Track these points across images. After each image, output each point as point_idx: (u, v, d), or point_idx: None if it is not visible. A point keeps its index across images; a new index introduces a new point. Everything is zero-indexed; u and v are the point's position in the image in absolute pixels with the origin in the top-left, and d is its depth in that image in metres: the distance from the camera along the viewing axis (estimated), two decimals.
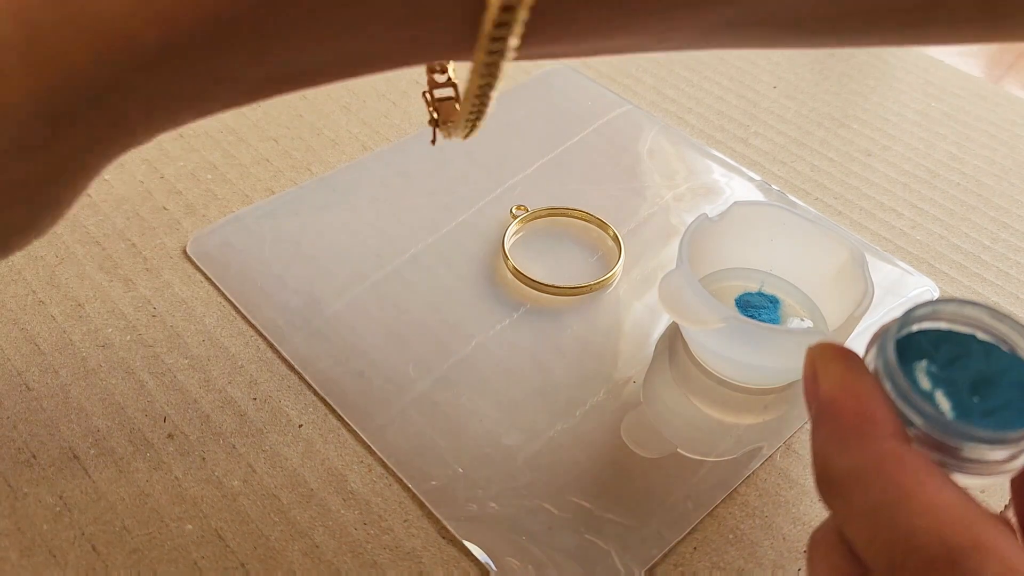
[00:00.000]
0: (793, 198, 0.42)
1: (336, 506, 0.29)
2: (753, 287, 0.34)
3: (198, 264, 0.36)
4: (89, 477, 0.29)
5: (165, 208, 0.39)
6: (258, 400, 0.32)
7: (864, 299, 0.29)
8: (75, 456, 0.30)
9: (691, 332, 0.31)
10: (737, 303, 0.33)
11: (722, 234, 0.32)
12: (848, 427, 0.19)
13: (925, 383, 0.20)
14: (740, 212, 0.32)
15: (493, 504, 0.29)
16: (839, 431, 0.19)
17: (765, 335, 0.29)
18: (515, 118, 0.45)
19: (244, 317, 0.34)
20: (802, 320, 0.33)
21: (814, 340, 0.25)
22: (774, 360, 0.30)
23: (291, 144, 0.43)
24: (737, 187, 0.42)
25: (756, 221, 0.33)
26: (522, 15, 0.17)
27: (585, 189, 0.41)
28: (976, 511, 0.17)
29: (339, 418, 0.31)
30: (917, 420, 0.19)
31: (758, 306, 0.33)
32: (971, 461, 0.19)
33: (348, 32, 0.18)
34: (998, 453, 0.19)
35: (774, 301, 0.33)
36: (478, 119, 0.22)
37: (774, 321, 0.32)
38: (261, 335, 0.34)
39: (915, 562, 0.17)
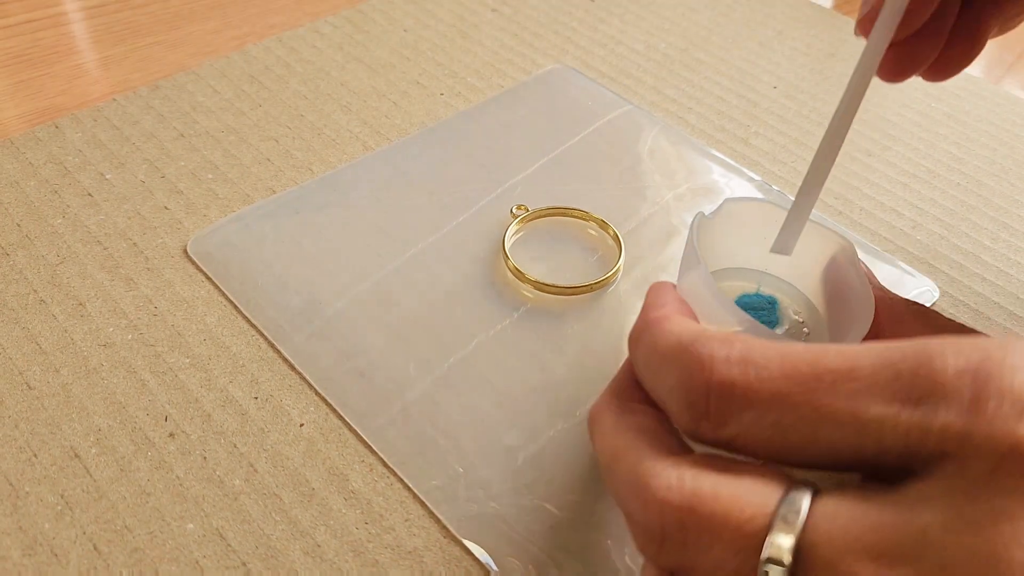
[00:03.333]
0: (793, 198, 0.42)
1: (338, 505, 0.29)
2: (751, 287, 0.34)
3: (199, 264, 0.36)
4: (90, 476, 0.29)
5: (166, 207, 0.39)
6: (259, 399, 0.32)
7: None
8: (76, 455, 0.30)
9: None
10: (738, 305, 0.33)
11: (718, 232, 0.32)
12: (646, 314, 0.24)
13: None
14: (732, 209, 0.32)
15: (494, 504, 0.29)
16: (642, 318, 0.24)
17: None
18: (515, 118, 0.45)
19: (245, 316, 0.34)
20: (799, 319, 0.33)
21: None
22: None
23: (292, 144, 0.43)
24: (737, 187, 0.42)
25: (748, 218, 0.32)
26: None
27: (585, 189, 0.41)
28: (705, 328, 0.22)
29: (340, 417, 0.31)
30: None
31: (757, 307, 0.33)
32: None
33: None
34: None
35: (772, 302, 0.33)
36: None
37: (772, 323, 0.32)
38: (262, 334, 0.34)
39: (666, 366, 0.21)
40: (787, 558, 0.18)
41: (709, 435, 0.20)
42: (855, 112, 0.26)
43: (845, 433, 0.18)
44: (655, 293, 0.25)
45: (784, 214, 0.32)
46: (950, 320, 0.27)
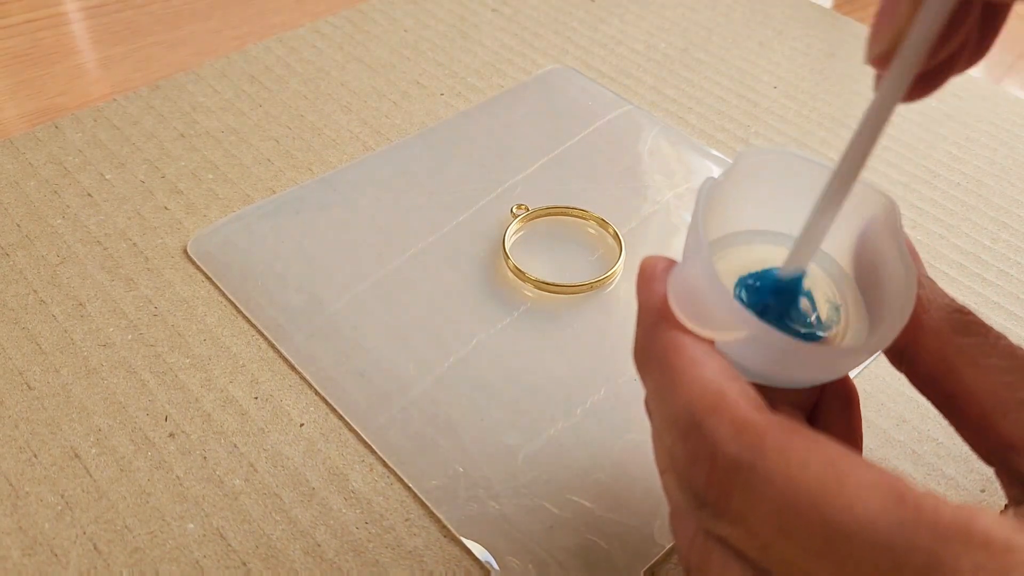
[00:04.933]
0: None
1: (338, 505, 0.29)
2: (772, 257, 0.25)
3: (199, 264, 0.36)
4: (90, 476, 0.29)
5: (166, 208, 0.39)
6: (259, 399, 0.32)
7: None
8: (76, 455, 0.30)
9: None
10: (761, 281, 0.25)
11: (732, 197, 0.25)
12: (646, 321, 0.22)
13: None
14: (748, 167, 0.25)
15: (494, 503, 0.29)
16: (641, 324, 0.22)
17: (798, 351, 0.22)
18: (515, 118, 0.45)
19: (245, 316, 0.34)
20: (834, 303, 0.25)
21: (858, 358, 0.22)
22: (804, 376, 0.24)
23: (292, 144, 0.43)
24: None
25: (770, 175, 0.25)
26: None
27: (585, 188, 0.41)
28: (726, 382, 0.19)
29: (340, 417, 0.31)
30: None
31: (777, 291, 0.25)
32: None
33: None
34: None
35: (797, 280, 0.25)
36: None
37: (792, 310, 0.24)
38: (262, 334, 0.34)
39: (674, 433, 0.19)
40: None
41: (706, 522, 0.19)
42: (868, 155, 0.21)
43: None
44: (650, 289, 0.22)
45: (808, 166, 0.24)
46: (996, 341, 0.22)
